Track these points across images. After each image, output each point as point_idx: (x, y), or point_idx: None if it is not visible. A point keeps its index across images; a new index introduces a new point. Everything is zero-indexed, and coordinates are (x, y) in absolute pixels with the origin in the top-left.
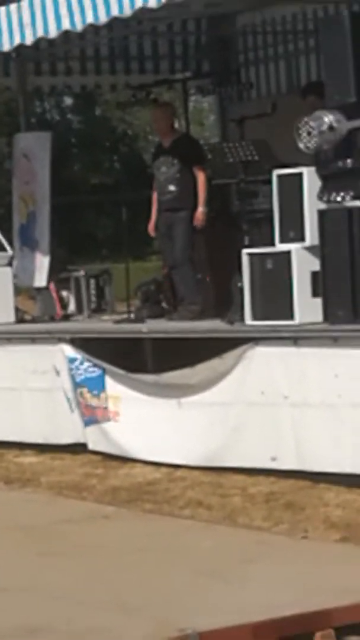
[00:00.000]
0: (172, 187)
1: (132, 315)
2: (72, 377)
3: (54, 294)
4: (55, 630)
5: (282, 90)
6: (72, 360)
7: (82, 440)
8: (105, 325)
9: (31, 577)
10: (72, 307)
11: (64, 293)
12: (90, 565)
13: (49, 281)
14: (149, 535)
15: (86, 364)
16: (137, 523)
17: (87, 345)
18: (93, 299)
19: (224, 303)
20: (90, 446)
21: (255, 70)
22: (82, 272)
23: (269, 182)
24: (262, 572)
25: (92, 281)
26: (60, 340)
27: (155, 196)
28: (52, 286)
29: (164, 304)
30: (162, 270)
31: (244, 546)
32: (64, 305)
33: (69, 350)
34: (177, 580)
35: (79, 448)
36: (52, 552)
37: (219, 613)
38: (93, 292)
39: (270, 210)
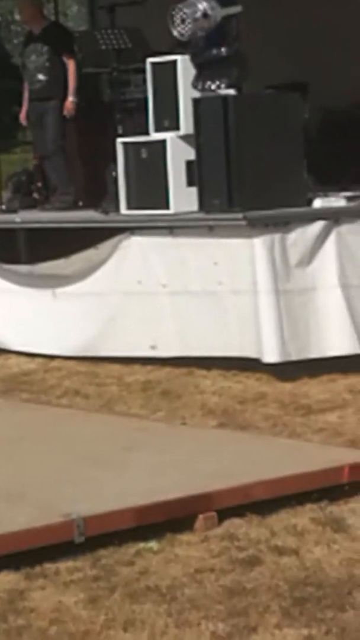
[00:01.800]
0: (41, 76)
1: (4, 207)
2: None
3: None
4: None
5: None
6: None
7: None
8: None
9: None
10: None
11: None
12: None
13: None
14: (28, 424)
15: None
16: (14, 412)
17: None
18: None
19: (98, 193)
20: None
21: None
22: None
23: (142, 70)
24: (142, 458)
25: None
26: None
27: (26, 85)
28: None
29: (35, 195)
30: (32, 160)
31: (123, 433)
32: None
33: None
34: (57, 468)
35: None
36: None
37: (102, 499)
38: None
39: (143, 100)
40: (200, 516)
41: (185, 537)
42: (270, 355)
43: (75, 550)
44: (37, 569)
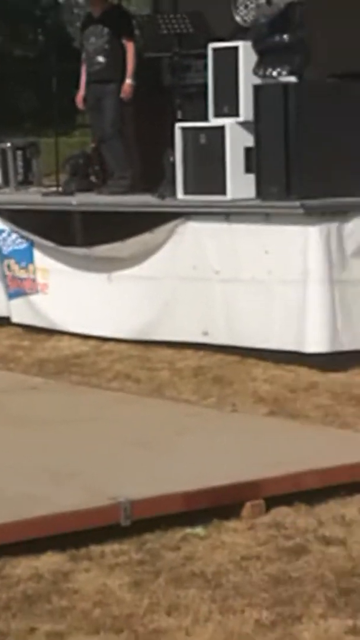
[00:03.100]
0: (100, 58)
1: (61, 189)
2: None
3: None
4: None
5: None
6: None
7: (5, 314)
8: (33, 197)
9: None
10: None
11: None
12: (20, 435)
13: None
14: (78, 406)
15: (14, 236)
16: (65, 394)
17: (15, 217)
18: (20, 171)
19: (155, 178)
20: (15, 319)
21: None
22: (8, 144)
23: (203, 56)
24: (192, 443)
25: (19, 153)
26: None
27: (84, 68)
28: None
29: (92, 178)
30: (90, 144)
31: (173, 418)
32: None
33: None
34: (107, 451)
35: (2, 321)
36: None
37: (150, 482)
38: (20, 164)
39: (203, 85)
40: (248, 503)
41: (232, 524)
42: (314, 345)
43: (121, 534)
44: (83, 550)
